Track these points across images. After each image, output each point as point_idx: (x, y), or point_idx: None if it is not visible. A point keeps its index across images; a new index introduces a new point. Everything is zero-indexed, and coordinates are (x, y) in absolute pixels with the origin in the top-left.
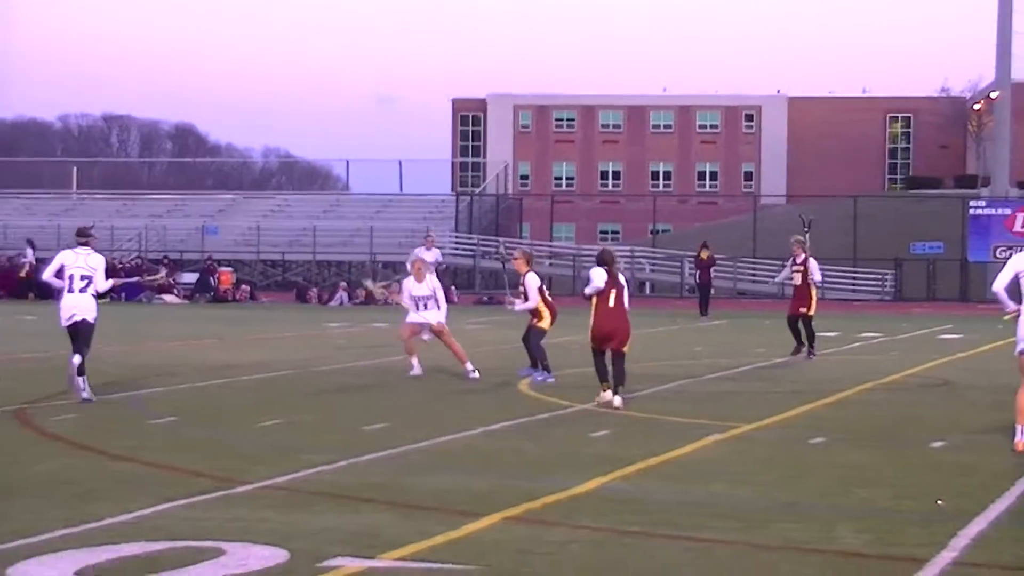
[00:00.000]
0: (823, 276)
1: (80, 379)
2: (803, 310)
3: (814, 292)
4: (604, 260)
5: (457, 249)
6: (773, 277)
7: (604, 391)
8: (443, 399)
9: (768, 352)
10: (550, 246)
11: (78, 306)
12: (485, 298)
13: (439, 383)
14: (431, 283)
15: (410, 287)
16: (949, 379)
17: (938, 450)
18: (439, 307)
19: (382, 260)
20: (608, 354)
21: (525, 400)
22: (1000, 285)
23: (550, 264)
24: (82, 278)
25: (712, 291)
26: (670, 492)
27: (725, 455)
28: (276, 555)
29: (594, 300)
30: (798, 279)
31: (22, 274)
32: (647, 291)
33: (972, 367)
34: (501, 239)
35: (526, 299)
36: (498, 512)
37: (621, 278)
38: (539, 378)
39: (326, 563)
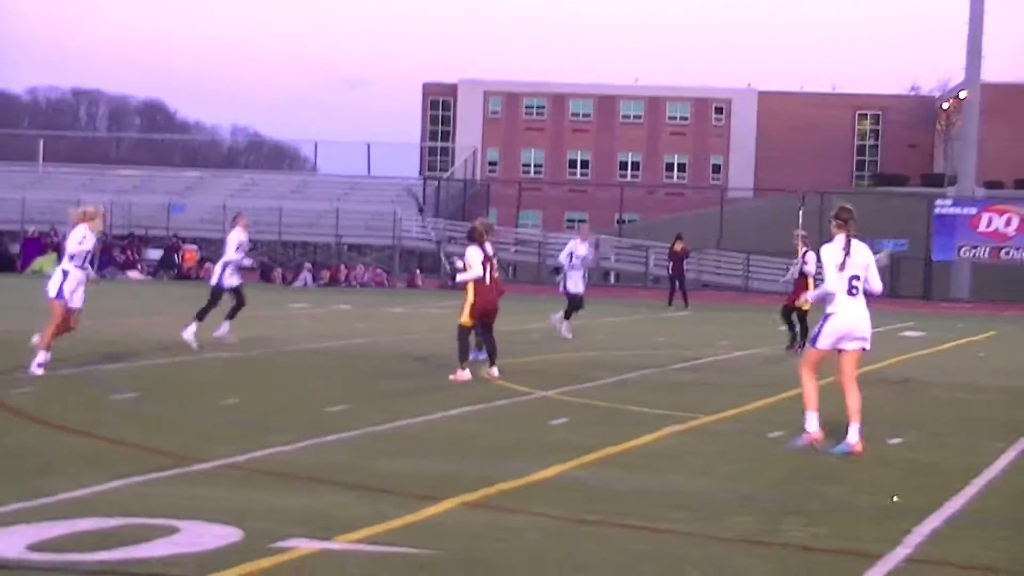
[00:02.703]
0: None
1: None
2: (798, 303)
3: (811, 285)
4: (477, 237)
5: (423, 234)
6: (782, 276)
7: (465, 368)
8: (405, 382)
9: (730, 344)
10: (516, 233)
11: None
12: (450, 283)
13: (402, 366)
14: (92, 241)
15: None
16: (909, 376)
17: (895, 446)
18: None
19: (348, 242)
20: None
21: (485, 386)
22: None
23: (515, 251)
24: None
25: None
26: (628, 482)
27: (684, 446)
28: (231, 534)
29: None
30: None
31: None
32: (612, 280)
33: (933, 365)
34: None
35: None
36: (455, 497)
37: (489, 249)
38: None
39: (281, 544)
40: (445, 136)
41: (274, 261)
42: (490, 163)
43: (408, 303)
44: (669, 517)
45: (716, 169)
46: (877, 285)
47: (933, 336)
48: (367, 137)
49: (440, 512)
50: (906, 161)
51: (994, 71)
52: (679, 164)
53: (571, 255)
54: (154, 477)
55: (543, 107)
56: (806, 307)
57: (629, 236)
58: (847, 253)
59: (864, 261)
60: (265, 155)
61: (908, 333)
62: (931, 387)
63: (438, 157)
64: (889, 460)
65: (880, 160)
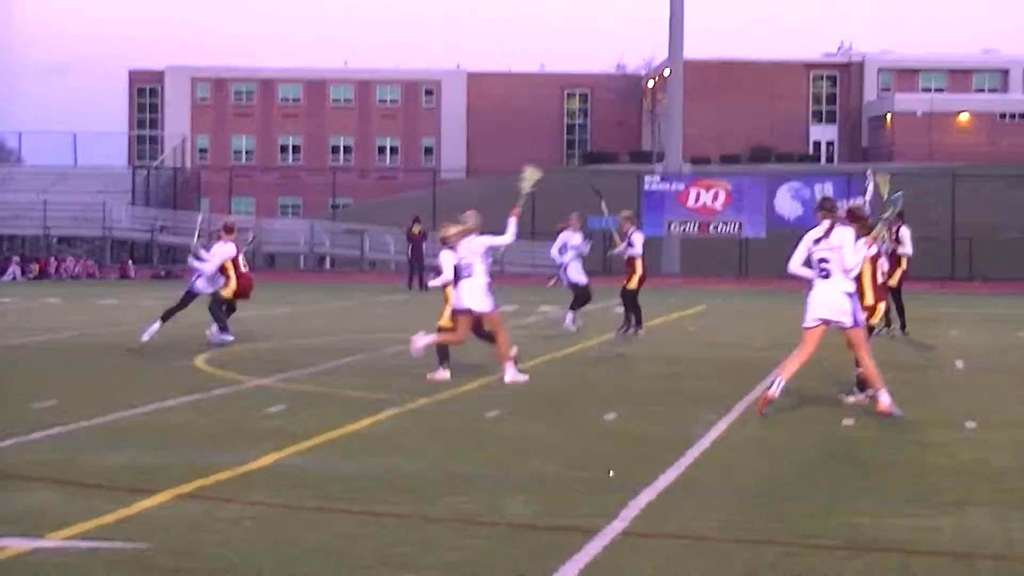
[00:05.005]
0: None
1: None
2: (625, 284)
3: (638, 266)
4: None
5: (134, 224)
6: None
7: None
8: (118, 375)
9: None
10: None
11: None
12: (163, 273)
13: (113, 359)
14: None
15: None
16: (624, 352)
17: (610, 421)
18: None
19: (57, 234)
20: None
21: (201, 375)
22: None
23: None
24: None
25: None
26: (345, 466)
27: (401, 429)
28: None
29: None
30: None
31: None
32: (327, 266)
33: (645, 340)
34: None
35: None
36: (169, 489)
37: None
38: (216, 339)
39: None
40: (153, 124)
41: None
42: (200, 150)
43: (120, 294)
44: (387, 500)
45: (428, 151)
46: (848, 263)
47: (645, 311)
48: (73, 126)
49: (154, 505)
50: (614, 139)
51: (697, 49)
52: (391, 147)
53: (564, 246)
54: None
55: (252, 92)
56: (629, 287)
57: (343, 221)
58: (826, 236)
59: (837, 244)
60: None
61: (620, 309)
62: (643, 362)
63: (148, 146)
64: (605, 435)
65: (590, 138)
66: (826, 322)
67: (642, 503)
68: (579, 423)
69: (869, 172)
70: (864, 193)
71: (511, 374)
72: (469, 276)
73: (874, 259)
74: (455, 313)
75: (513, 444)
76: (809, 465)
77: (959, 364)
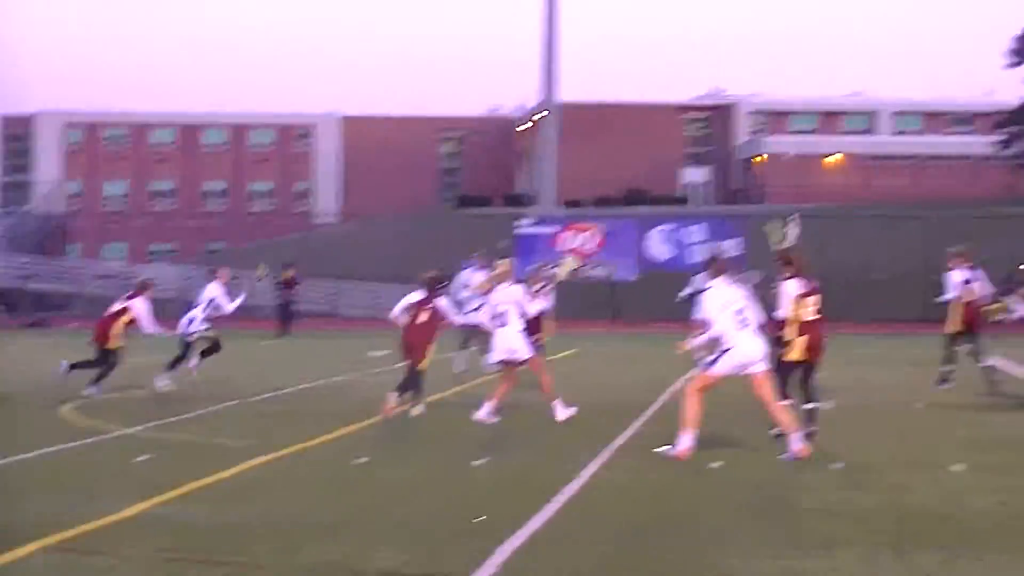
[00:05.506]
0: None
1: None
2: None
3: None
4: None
5: (4, 272)
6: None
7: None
8: None
9: (317, 372)
10: (101, 266)
11: None
12: (30, 321)
13: None
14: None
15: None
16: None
17: (479, 467)
18: None
19: None
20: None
21: (67, 425)
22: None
23: (97, 285)
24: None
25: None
26: (211, 516)
27: (269, 477)
28: None
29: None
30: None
31: None
32: None
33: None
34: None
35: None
36: (35, 541)
37: (440, 301)
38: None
39: None
40: (23, 170)
41: None
42: (72, 196)
43: None
44: (251, 549)
45: (303, 195)
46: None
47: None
48: None
49: (19, 557)
50: (489, 182)
51: (571, 92)
52: (265, 191)
53: (467, 285)
54: None
55: (125, 137)
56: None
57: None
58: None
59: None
60: None
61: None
62: (516, 406)
63: (21, 192)
64: (474, 480)
65: (464, 181)
66: (740, 372)
67: (509, 549)
68: (449, 468)
69: (796, 216)
70: (788, 236)
71: (561, 412)
72: (504, 325)
73: (805, 295)
74: (506, 363)
75: (381, 491)
76: (678, 507)
77: (828, 404)
